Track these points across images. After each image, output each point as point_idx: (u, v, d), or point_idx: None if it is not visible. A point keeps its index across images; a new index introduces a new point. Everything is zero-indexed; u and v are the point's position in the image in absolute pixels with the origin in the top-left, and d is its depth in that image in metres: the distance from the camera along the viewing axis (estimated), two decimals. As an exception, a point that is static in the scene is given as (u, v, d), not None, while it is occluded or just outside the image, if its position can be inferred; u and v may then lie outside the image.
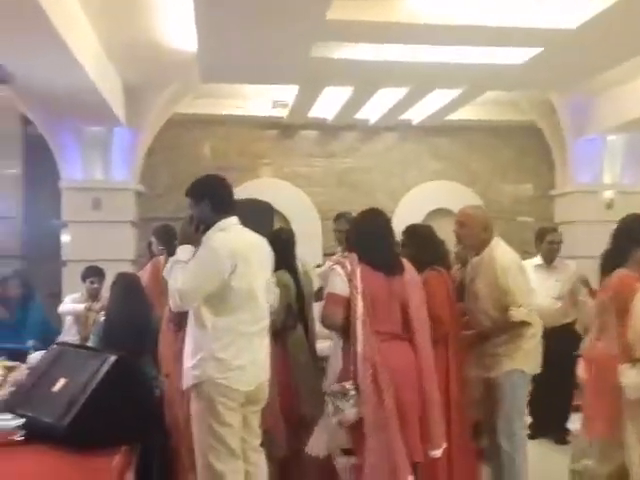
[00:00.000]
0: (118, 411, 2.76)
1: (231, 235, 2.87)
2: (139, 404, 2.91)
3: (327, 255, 7.24)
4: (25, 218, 7.14)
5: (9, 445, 2.64)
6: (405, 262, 3.22)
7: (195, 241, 2.86)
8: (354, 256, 3.06)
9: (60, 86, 5.07)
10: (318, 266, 4.66)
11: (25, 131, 6.98)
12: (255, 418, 2.96)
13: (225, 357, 2.75)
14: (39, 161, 6.98)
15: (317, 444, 3.11)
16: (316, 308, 4.52)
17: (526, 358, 3.56)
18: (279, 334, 3.63)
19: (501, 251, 3.59)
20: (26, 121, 6.73)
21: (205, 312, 2.79)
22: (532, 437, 4.95)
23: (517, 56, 5.20)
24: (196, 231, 2.87)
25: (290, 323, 3.81)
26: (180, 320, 3.06)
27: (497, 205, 7.92)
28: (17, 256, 6.94)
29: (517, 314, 3.47)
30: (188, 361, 2.82)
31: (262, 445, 3.03)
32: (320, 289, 4.60)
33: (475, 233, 3.63)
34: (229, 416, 2.74)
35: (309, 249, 6.97)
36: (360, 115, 7.42)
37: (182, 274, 2.74)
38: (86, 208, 6.70)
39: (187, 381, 2.81)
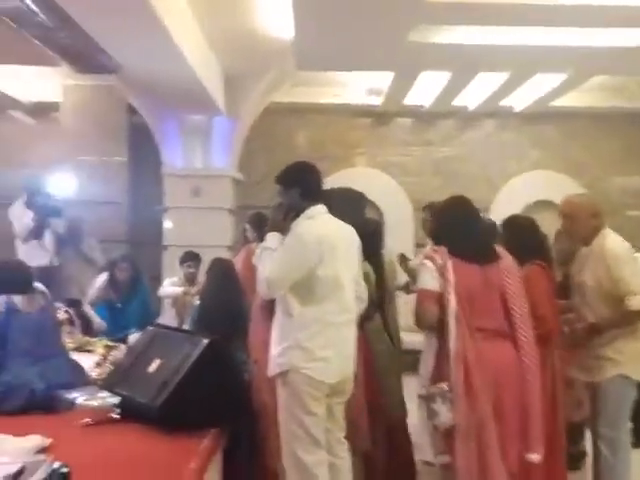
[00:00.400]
0: (208, 394, 2.83)
1: (318, 223, 2.84)
2: (229, 388, 2.96)
3: (419, 246, 7.15)
4: (130, 204, 7.48)
5: (106, 422, 2.77)
6: (500, 249, 3.05)
7: (284, 228, 2.85)
8: (443, 249, 2.94)
9: (163, 75, 5.24)
10: (402, 257, 4.55)
11: (131, 120, 7.29)
12: (340, 409, 2.93)
13: (310, 346, 2.73)
14: (143, 149, 7.28)
15: (423, 448, 3.02)
16: (401, 300, 4.46)
17: (632, 362, 3.31)
18: (359, 324, 3.58)
19: (612, 239, 3.33)
20: (132, 110, 7.02)
21: (291, 300, 2.78)
22: (635, 445, 4.64)
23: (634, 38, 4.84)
24: (285, 218, 2.86)
25: (369, 313, 3.74)
26: (271, 307, 3.07)
27: (604, 198, 7.42)
28: (123, 241, 7.28)
29: (636, 302, 3.17)
30: (274, 349, 2.83)
31: (346, 438, 3.00)
32: (408, 282, 4.52)
33: (584, 223, 3.37)
34: (314, 405, 2.73)
35: (400, 240, 6.90)
36: (458, 102, 7.21)
37: (270, 262, 2.74)
38: (186, 195, 6.92)
39: (273, 369, 2.83)
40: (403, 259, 4.53)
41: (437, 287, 2.87)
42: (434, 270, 2.89)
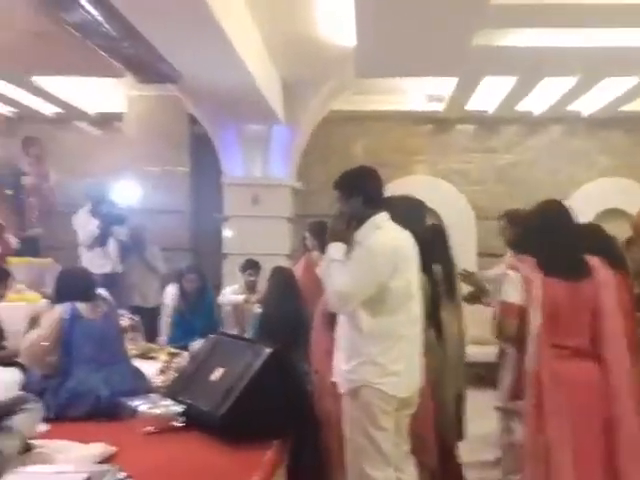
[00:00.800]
0: (271, 404, 2.78)
1: (390, 233, 2.73)
2: (292, 398, 2.91)
3: (482, 255, 6.96)
4: (192, 212, 7.57)
5: (168, 430, 2.75)
6: (593, 260, 2.83)
7: (346, 238, 2.72)
8: (531, 260, 2.76)
9: (223, 84, 5.27)
10: (465, 273, 4.31)
11: (192, 130, 7.39)
12: (406, 423, 2.82)
13: (384, 362, 2.63)
14: (205, 158, 7.36)
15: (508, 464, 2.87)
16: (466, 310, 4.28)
17: None
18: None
19: None
20: (193, 120, 7.12)
21: (361, 314, 2.67)
22: None
23: None
24: (347, 228, 2.74)
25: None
26: (333, 317, 3.00)
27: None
28: (186, 249, 7.37)
29: None
30: (343, 364, 2.72)
31: (413, 452, 2.89)
32: (474, 292, 4.34)
33: None
34: (385, 420, 2.63)
35: (463, 249, 6.69)
36: (523, 107, 6.99)
37: (341, 275, 2.62)
38: (245, 203, 6.95)
39: (343, 385, 2.72)
40: (466, 275, 4.30)
41: (520, 300, 2.71)
42: (518, 282, 2.72)
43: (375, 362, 2.62)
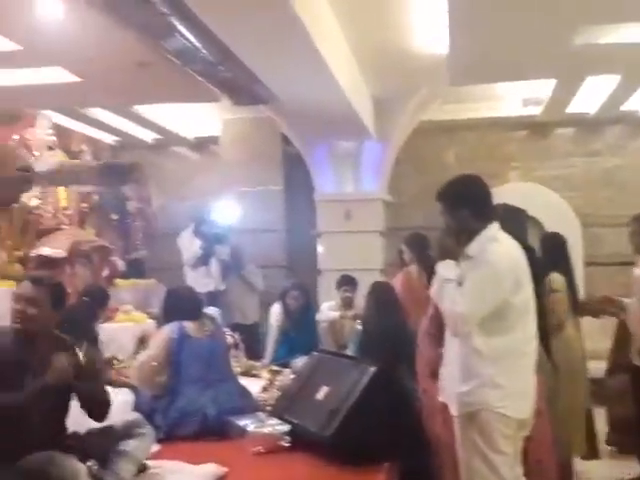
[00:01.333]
0: (380, 424, 2.71)
1: (505, 245, 2.55)
2: (400, 418, 2.83)
3: (588, 265, 6.59)
4: (287, 230, 7.65)
5: (277, 450, 2.73)
6: None
7: (456, 254, 2.57)
8: None
9: (315, 103, 5.29)
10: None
11: (285, 149, 7.49)
12: (520, 444, 2.65)
13: (504, 383, 2.46)
14: (297, 176, 7.44)
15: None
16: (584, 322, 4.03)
17: None
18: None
19: None
20: (285, 140, 7.22)
21: (476, 332, 2.49)
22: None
23: None
24: (457, 243, 2.58)
25: None
26: (439, 334, 2.88)
27: None
28: (282, 266, 7.46)
29: None
30: (458, 385, 2.55)
31: (528, 476, 2.71)
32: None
33: None
34: (505, 444, 2.47)
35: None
36: (628, 106, 6.60)
37: (460, 296, 2.46)
38: (338, 219, 6.95)
39: (459, 408, 2.56)
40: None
41: None
42: None
43: (495, 383, 2.46)
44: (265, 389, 3.89)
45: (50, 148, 5.44)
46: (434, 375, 2.88)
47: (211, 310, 3.60)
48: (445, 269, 2.57)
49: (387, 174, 7.13)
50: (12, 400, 2.17)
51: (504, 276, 2.46)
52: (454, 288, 2.49)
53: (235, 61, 4.29)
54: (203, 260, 5.98)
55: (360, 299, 4.93)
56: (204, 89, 5.20)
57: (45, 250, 4.62)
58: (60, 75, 5.21)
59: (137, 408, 3.08)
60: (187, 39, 3.87)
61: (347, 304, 5.46)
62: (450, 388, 2.60)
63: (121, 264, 5.78)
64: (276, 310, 5.41)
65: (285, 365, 4.75)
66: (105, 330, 4.51)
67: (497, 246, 2.51)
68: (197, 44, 3.97)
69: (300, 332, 5.25)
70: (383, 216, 7.18)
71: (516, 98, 6.93)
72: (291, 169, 7.55)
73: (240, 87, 5.03)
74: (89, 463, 2.29)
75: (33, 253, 4.59)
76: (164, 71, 4.81)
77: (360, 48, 5.13)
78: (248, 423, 2.96)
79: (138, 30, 3.90)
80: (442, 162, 7.46)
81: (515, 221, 6.60)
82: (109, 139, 7.72)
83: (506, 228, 2.70)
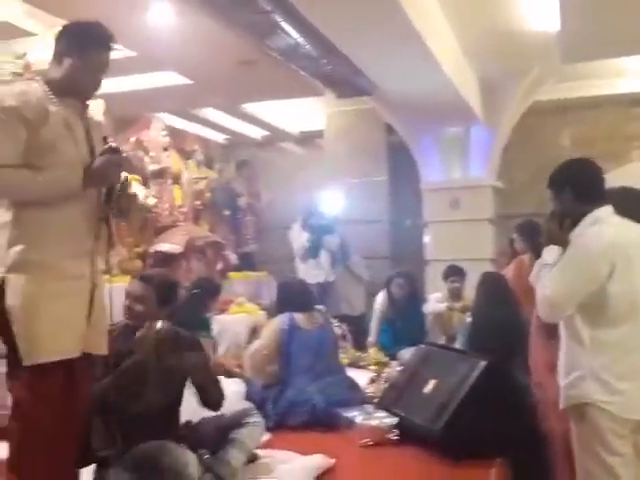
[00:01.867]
0: (490, 419, 2.64)
1: (608, 229, 2.39)
2: (511, 413, 2.74)
3: None
4: (391, 221, 7.61)
5: (384, 443, 2.73)
6: None
7: (561, 240, 2.45)
8: None
9: (420, 90, 5.20)
10: None
11: (388, 139, 7.43)
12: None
13: (608, 378, 2.32)
14: (401, 166, 7.36)
15: None
16: None
17: None
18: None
19: None
20: (389, 130, 7.16)
21: (580, 323, 2.38)
22: None
23: None
24: (560, 227, 2.46)
25: None
26: (550, 328, 2.75)
27: None
28: (387, 257, 7.43)
29: None
30: (563, 378, 2.45)
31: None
32: None
33: None
34: (619, 445, 2.31)
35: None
36: None
37: (550, 280, 2.38)
38: (445, 208, 6.80)
39: (563, 401, 2.47)
40: None
41: None
42: None
43: (598, 377, 2.32)
44: (372, 381, 3.90)
45: (165, 149, 5.72)
46: (549, 367, 2.77)
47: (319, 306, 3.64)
48: (547, 254, 2.48)
49: (496, 159, 6.88)
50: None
51: (596, 260, 2.31)
52: (547, 272, 2.40)
53: (338, 55, 4.31)
54: (312, 252, 6.07)
55: (469, 290, 4.81)
56: (307, 84, 5.27)
57: (163, 246, 4.89)
58: (173, 78, 5.47)
59: (249, 398, 3.18)
60: (290, 36, 3.93)
61: (455, 295, 5.34)
62: (558, 380, 2.49)
63: (234, 258, 6.00)
64: (380, 298, 5.41)
65: (392, 356, 4.74)
66: (219, 321, 4.71)
67: (595, 229, 2.37)
68: (300, 40, 4.02)
69: (406, 322, 5.20)
70: (492, 203, 6.94)
71: (638, 73, 6.45)
72: (395, 159, 7.48)
73: (343, 80, 5.04)
74: (200, 452, 2.37)
75: (151, 249, 4.86)
76: (268, 68, 4.92)
77: (465, 30, 4.98)
78: (356, 415, 2.97)
79: (243, 30, 4.01)
80: (556, 144, 7.10)
81: (638, 204, 6.16)
82: (220, 138, 8.01)
83: (626, 212, 2.54)
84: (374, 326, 5.42)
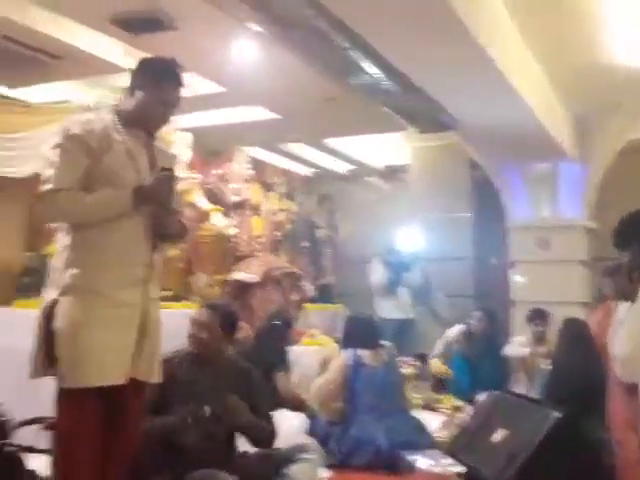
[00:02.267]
0: (561, 476, 2.48)
1: None
2: (585, 471, 2.56)
3: None
4: (475, 258, 7.41)
5: (446, 492, 2.62)
6: None
7: (631, 294, 2.31)
8: None
9: (504, 126, 5.09)
10: None
11: (472, 175, 7.30)
12: None
13: None
14: (486, 202, 7.19)
15: None
16: None
17: None
18: None
19: None
20: (473, 165, 7.03)
21: None
22: None
23: None
24: (630, 281, 2.33)
25: None
26: (629, 384, 2.56)
27: None
28: (470, 295, 7.22)
29: None
30: None
31: None
32: None
33: None
34: None
35: None
36: None
37: (621, 338, 2.26)
38: (533, 247, 6.54)
39: None
40: None
41: None
42: None
43: None
44: (445, 425, 3.76)
45: (246, 181, 5.87)
46: (629, 425, 2.58)
47: (386, 343, 3.58)
48: (622, 310, 2.37)
49: (590, 198, 6.57)
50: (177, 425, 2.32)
51: None
52: (619, 329, 2.29)
53: (418, 91, 4.31)
54: (390, 288, 6.01)
55: (554, 335, 4.59)
56: (390, 119, 5.29)
57: (240, 275, 4.99)
58: (261, 113, 5.66)
59: (312, 432, 3.15)
60: (369, 73, 3.98)
61: (539, 339, 5.11)
62: None
63: (310, 289, 6.03)
64: (456, 329, 5.26)
65: (470, 401, 4.56)
66: (291, 352, 4.71)
67: None
68: (380, 77, 4.06)
69: (483, 361, 5.00)
70: (585, 245, 6.62)
71: None
72: (479, 195, 7.32)
73: (425, 115, 5.03)
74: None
75: (229, 277, 4.98)
76: (352, 104, 5.00)
77: (551, 66, 4.86)
78: (420, 459, 2.88)
79: (324, 66, 4.11)
80: (655, 185, 6.70)
81: None
82: (307, 171, 8.15)
83: None
84: (439, 345, 5.29)
